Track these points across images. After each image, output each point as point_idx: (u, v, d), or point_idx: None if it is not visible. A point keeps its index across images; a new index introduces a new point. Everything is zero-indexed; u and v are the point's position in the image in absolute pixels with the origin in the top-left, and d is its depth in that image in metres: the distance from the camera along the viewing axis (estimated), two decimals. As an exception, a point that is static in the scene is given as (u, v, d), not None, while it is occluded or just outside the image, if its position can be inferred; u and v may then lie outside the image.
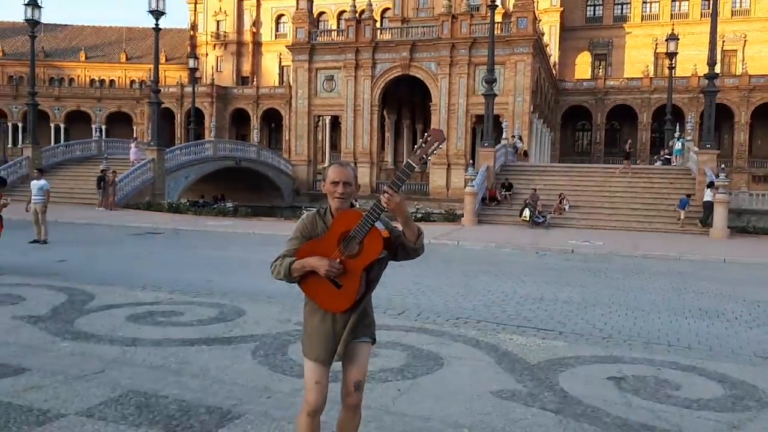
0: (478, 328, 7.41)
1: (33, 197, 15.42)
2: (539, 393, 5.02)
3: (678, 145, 29.33)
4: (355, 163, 43.01)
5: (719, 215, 21.44)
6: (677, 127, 33.52)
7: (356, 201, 3.28)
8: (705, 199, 22.28)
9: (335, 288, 2.96)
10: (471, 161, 29.96)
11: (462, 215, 24.49)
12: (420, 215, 24.79)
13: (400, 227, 3.03)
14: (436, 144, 2.81)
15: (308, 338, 3.12)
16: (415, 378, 5.30)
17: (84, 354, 5.67)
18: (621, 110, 55.00)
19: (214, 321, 7.13)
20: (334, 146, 55.06)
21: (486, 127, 27.66)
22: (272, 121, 62.82)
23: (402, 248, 3.04)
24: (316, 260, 2.93)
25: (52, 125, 63.73)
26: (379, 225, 2.93)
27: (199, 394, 4.72)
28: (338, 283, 2.95)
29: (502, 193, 26.30)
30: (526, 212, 23.54)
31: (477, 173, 25.79)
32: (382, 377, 5.24)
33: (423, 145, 2.84)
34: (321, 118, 47.68)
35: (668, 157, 30.19)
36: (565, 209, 24.59)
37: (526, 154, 33.99)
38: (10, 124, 62.41)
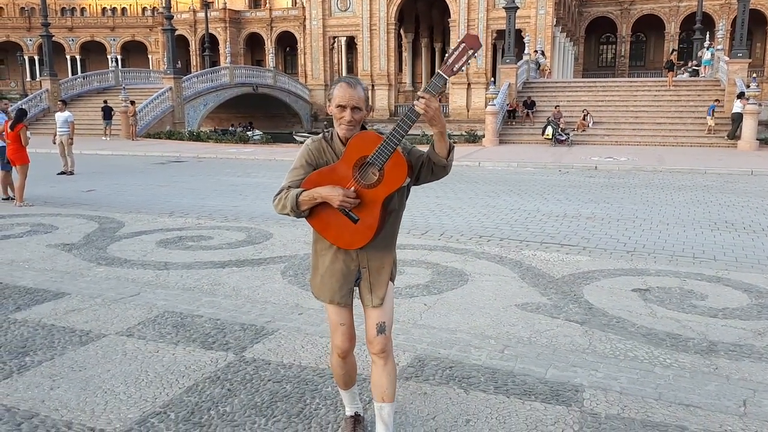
0: (502, 245, 7.46)
1: (58, 129, 15.56)
2: (564, 305, 5.10)
3: (707, 56, 28.22)
4: (373, 86, 42.33)
5: (748, 127, 20.88)
6: (707, 36, 32.13)
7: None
8: (734, 111, 21.64)
9: (350, 222, 2.58)
10: (492, 79, 29.24)
11: (483, 136, 24.20)
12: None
13: (413, 148, 2.71)
14: (470, 52, 2.37)
15: (320, 280, 2.79)
16: (441, 293, 5.40)
17: (119, 278, 5.86)
18: (647, 21, 52.75)
19: (242, 244, 7.27)
20: (351, 69, 54.08)
21: (507, 43, 26.83)
22: (287, 45, 61.57)
23: (427, 167, 2.63)
24: (327, 189, 2.53)
25: (68, 57, 63.23)
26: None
27: (232, 313, 4.88)
28: (354, 216, 2.57)
29: (524, 111, 25.81)
30: (549, 130, 23.18)
31: (498, 92, 25.24)
32: (409, 293, 5.35)
33: (455, 53, 2.39)
34: (336, 39, 46.62)
35: (696, 68, 29.13)
36: (588, 126, 24.14)
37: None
38: (26, 57, 62.12)
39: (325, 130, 2.76)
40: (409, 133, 2.45)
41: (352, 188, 2.54)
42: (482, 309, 5.00)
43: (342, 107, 2.56)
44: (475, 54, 2.39)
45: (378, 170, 2.51)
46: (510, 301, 5.19)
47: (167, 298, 5.24)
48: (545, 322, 4.70)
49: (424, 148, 2.70)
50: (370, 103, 2.66)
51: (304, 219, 2.65)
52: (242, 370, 3.84)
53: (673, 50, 36.14)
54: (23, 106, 27.11)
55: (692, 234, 8.27)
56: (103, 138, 26.54)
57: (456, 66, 2.39)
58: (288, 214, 2.63)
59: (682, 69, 30.69)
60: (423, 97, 2.37)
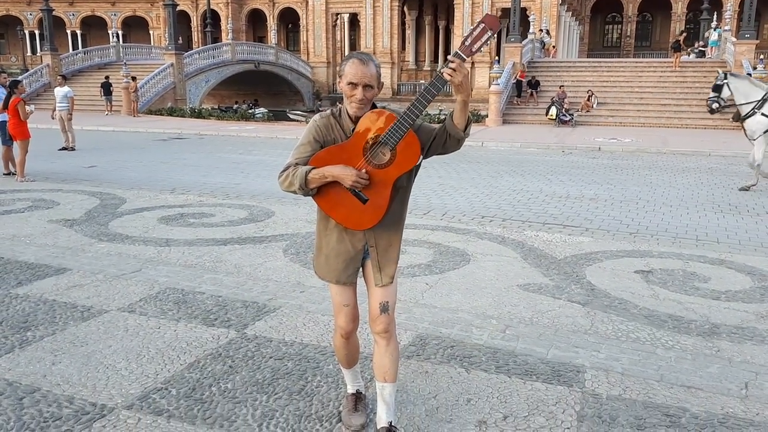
0: (504, 226, 7.43)
1: (57, 104, 15.49)
2: (566, 286, 5.08)
3: (714, 36, 27.91)
4: (376, 64, 41.92)
5: (754, 109, 20.69)
6: (714, 16, 31.74)
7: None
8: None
9: (359, 203, 2.53)
10: (496, 58, 28.98)
11: (486, 116, 24.04)
12: (443, 117, 24.41)
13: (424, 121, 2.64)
14: (489, 33, 2.30)
15: (325, 260, 2.73)
16: (443, 273, 5.39)
17: (120, 254, 5.85)
18: (654, 0, 52.05)
19: (244, 222, 7.26)
20: (353, 46, 53.61)
21: (512, 22, 26.55)
22: (289, 21, 60.92)
23: (438, 140, 2.56)
24: (339, 169, 2.46)
25: (68, 32, 62.57)
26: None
27: (234, 290, 4.87)
28: (363, 196, 2.52)
29: (528, 90, 25.62)
30: (553, 110, 23.03)
31: (503, 71, 25.02)
32: (411, 272, 5.34)
33: (474, 33, 2.32)
34: (339, 16, 46.15)
35: (703, 49, 28.82)
36: (592, 106, 23.97)
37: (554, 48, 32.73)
38: (27, 32, 61.58)
39: (320, 108, 2.68)
40: (426, 110, 2.40)
41: (364, 170, 2.48)
42: (484, 289, 4.99)
43: (353, 85, 2.48)
44: (494, 35, 2.33)
45: (390, 150, 2.46)
46: (512, 282, 5.18)
47: (169, 275, 5.24)
48: (547, 303, 4.69)
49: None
50: (382, 80, 2.59)
51: (308, 198, 2.61)
52: (244, 347, 3.84)
53: (682, 31, 35.52)
54: (23, 80, 26.99)
55: (695, 216, 8.23)
56: (106, 113, 26.49)
57: (475, 46, 2.33)
58: (295, 192, 2.54)
59: (689, 50, 30.36)
60: (453, 62, 2.30)
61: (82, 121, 20.25)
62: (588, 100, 24.00)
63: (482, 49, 2.38)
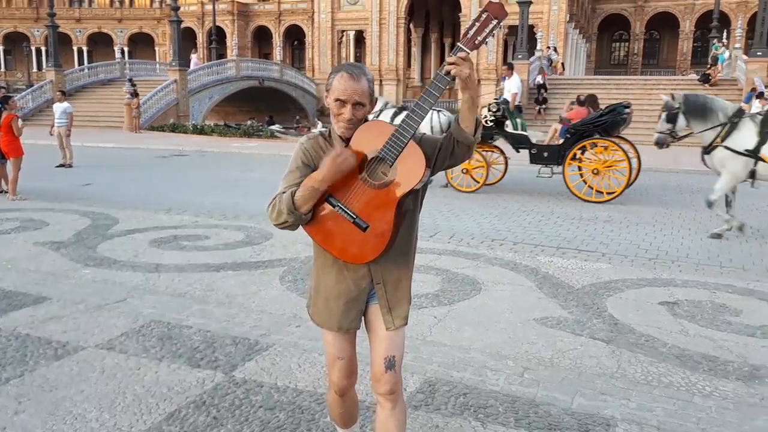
0: (515, 250, 7.03)
1: (56, 120, 15.24)
2: (587, 320, 4.66)
3: (726, 54, 27.54)
4: (381, 82, 41.77)
5: None
6: (723, 34, 31.45)
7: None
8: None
9: (358, 230, 2.15)
10: (503, 75, 28.71)
11: (493, 132, 23.68)
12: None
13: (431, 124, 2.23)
14: (494, 22, 1.99)
15: (324, 302, 2.35)
16: (452, 304, 4.98)
17: (106, 281, 5.46)
18: (661, 18, 51.92)
19: (240, 245, 6.87)
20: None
21: (520, 38, 26.33)
22: (295, 38, 61.12)
23: (445, 151, 2.17)
24: (324, 168, 2.09)
25: (74, 48, 62.94)
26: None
27: (224, 324, 4.47)
28: (362, 223, 2.15)
29: (536, 108, 25.30)
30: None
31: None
32: (417, 303, 4.93)
33: (477, 24, 2.00)
34: (345, 33, 46.18)
35: (707, 72, 28.42)
36: (601, 124, 23.58)
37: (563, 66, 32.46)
38: (33, 48, 61.89)
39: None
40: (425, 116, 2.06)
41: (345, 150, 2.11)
42: (497, 323, 4.57)
43: (342, 102, 2.14)
44: (500, 24, 1.98)
45: (389, 167, 2.11)
46: (528, 315, 4.76)
47: (155, 305, 4.84)
48: (568, 340, 4.27)
49: None
50: (375, 95, 2.23)
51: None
52: (231, 393, 3.43)
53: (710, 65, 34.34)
54: (15, 96, 26.82)
55: (717, 240, 7.80)
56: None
57: (479, 38, 2.02)
58: (285, 222, 2.14)
59: (691, 69, 29.95)
60: (459, 55, 1.98)
61: (82, 138, 19.97)
62: (596, 117, 23.63)
63: (487, 40, 2.03)
